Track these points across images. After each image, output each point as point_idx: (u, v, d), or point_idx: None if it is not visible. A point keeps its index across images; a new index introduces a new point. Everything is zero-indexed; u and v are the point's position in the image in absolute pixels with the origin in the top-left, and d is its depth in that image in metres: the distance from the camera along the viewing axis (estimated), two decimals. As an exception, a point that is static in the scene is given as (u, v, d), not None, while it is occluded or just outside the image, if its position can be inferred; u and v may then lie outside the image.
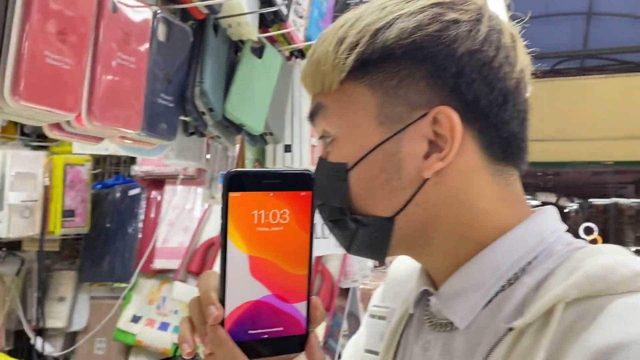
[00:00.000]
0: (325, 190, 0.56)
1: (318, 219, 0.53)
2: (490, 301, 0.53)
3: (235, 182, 0.45)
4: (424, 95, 0.53)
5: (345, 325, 1.94)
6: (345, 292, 1.92)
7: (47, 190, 1.73)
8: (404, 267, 0.77)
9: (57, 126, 0.77)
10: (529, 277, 0.52)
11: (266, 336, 0.47)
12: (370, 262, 2.16)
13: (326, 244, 1.67)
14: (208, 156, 1.29)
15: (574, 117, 6.39)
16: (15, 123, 1.80)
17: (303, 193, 0.47)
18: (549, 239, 0.54)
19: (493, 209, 0.55)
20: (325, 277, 1.75)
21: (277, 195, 0.46)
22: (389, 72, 0.54)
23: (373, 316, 0.76)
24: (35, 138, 1.83)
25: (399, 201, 0.54)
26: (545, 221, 0.56)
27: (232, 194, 0.44)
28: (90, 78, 0.75)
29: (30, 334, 1.88)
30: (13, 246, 1.89)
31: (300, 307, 0.47)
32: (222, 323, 0.45)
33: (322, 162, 0.58)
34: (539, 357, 0.46)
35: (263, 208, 0.45)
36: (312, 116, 0.59)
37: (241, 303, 0.45)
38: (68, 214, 1.80)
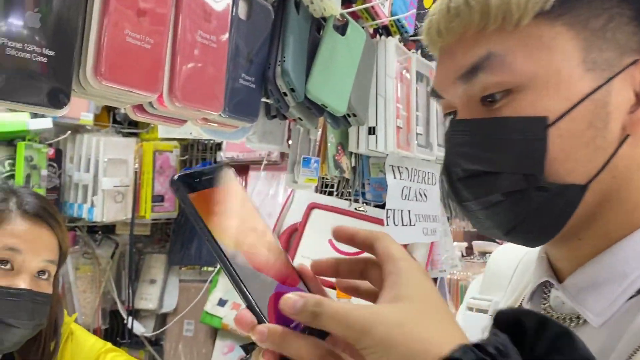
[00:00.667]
0: (503, 155, 0.48)
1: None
2: (634, 296, 0.46)
3: (187, 183, 0.41)
4: (633, 38, 0.47)
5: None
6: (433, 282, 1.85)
7: (137, 176, 1.78)
8: (506, 258, 0.70)
9: (140, 108, 0.76)
10: None
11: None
12: (457, 252, 2.07)
13: (412, 232, 1.60)
14: (290, 142, 1.27)
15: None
16: (108, 111, 1.87)
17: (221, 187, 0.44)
18: None
19: None
20: (410, 265, 1.68)
21: (219, 190, 0.43)
22: (594, 10, 0.46)
23: (471, 309, 0.70)
24: (127, 125, 1.89)
25: (596, 164, 0.46)
26: None
27: (192, 195, 0.41)
28: (171, 58, 0.73)
29: (124, 314, 1.96)
30: (108, 230, 1.98)
31: (302, 287, 0.45)
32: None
33: (498, 121, 0.48)
34: None
35: (238, 201, 0.44)
36: (473, 72, 0.49)
37: (267, 301, 0.41)
38: (158, 199, 1.85)
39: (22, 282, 0.92)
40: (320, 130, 1.22)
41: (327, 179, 1.71)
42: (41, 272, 0.96)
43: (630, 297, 0.46)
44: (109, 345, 1.19)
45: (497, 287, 0.69)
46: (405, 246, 1.65)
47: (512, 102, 0.47)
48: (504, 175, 0.48)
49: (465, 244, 3.20)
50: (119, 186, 1.70)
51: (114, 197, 1.71)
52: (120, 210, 1.74)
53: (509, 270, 0.68)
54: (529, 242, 0.51)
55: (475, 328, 0.67)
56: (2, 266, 0.91)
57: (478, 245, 3.42)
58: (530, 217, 0.48)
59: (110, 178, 1.68)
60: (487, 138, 0.49)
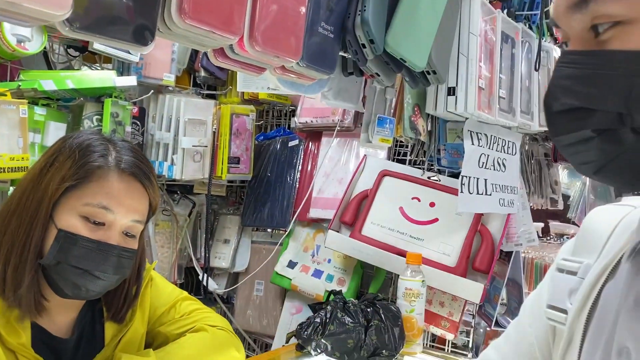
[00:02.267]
0: (600, 91, 0.45)
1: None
2: None
3: None
4: None
5: (504, 293, 1.82)
6: (507, 256, 1.79)
7: (215, 137, 1.83)
8: (603, 219, 0.67)
9: (222, 53, 0.78)
10: None
11: None
12: (534, 227, 1.99)
13: (488, 202, 1.55)
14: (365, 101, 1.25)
15: None
16: (189, 74, 1.92)
17: None
18: None
19: None
20: (484, 237, 1.63)
21: None
22: None
23: (561, 270, 0.67)
24: (206, 88, 1.94)
25: None
26: None
27: None
28: (252, 2, 0.74)
29: (199, 271, 2.04)
30: (186, 190, 2.06)
31: None
32: None
33: (603, 53, 0.46)
34: None
35: None
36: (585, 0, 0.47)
37: None
38: (234, 160, 1.90)
39: (112, 238, 0.95)
40: (397, 89, 1.19)
41: (402, 143, 1.68)
42: (130, 229, 0.99)
43: None
44: (185, 293, 1.24)
45: (590, 249, 0.65)
46: (480, 215, 1.60)
47: (621, 34, 0.45)
48: (598, 113, 0.45)
49: (541, 224, 3.08)
50: (197, 146, 1.76)
51: (192, 157, 1.77)
52: (198, 170, 1.80)
53: (605, 232, 0.64)
54: (621, 185, 0.49)
55: (563, 290, 0.64)
56: (94, 221, 0.95)
57: (554, 226, 3.28)
58: (622, 157, 0.45)
59: (189, 138, 1.74)
60: (589, 71, 0.46)
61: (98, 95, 1.53)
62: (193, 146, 1.75)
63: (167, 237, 1.95)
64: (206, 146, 1.80)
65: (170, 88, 1.77)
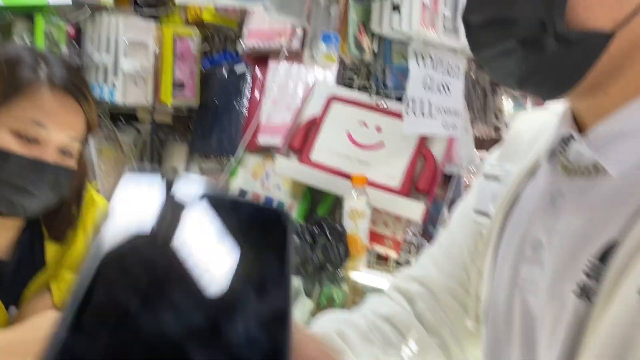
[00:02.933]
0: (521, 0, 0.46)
1: None
2: None
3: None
4: None
5: (445, 213, 1.89)
6: (449, 179, 1.85)
7: (157, 60, 1.77)
8: (527, 124, 0.69)
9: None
10: None
11: None
12: (476, 152, 2.05)
13: (432, 124, 1.59)
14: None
15: None
16: (129, -6, 1.83)
17: (271, 236, 0.30)
18: None
19: None
20: (428, 160, 1.68)
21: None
22: None
23: (487, 177, 0.70)
24: (147, 8, 1.86)
25: (626, 10, 0.44)
26: None
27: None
28: None
29: (147, 199, 2.02)
30: (130, 118, 2.01)
31: None
32: None
33: None
34: None
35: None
36: None
37: None
38: (178, 85, 1.85)
39: (47, 155, 0.93)
40: (341, 5, 1.17)
41: (350, 67, 1.67)
42: (66, 146, 0.96)
43: None
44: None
45: (514, 155, 0.68)
46: (424, 138, 1.63)
47: None
48: (520, 22, 0.46)
49: (485, 153, 3.18)
50: (139, 69, 1.70)
51: (134, 80, 1.71)
52: (141, 95, 1.75)
53: (528, 137, 0.67)
54: (544, 94, 0.50)
55: (487, 195, 0.67)
56: (27, 137, 0.92)
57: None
58: (545, 66, 0.46)
59: (130, 60, 1.68)
60: None
61: (28, 13, 1.45)
62: (135, 69, 1.69)
63: (112, 165, 1.91)
64: (148, 70, 1.75)
65: (108, 8, 1.69)
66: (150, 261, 0.25)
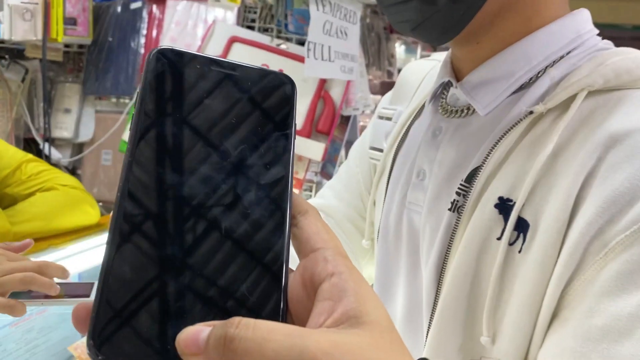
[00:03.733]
0: None
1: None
2: (515, 92, 0.55)
3: (168, 62, 0.30)
4: None
5: (342, 152, 2.01)
6: (346, 120, 1.96)
7: (46, -7, 1.67)
8: (414, 71, 0.78)
9: None
10: (556, 70, 0.53)
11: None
12: (370, 95, 2.18)
13: (331, 68, 1.67)
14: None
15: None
16: None
17: (277, 100, 0.32)
18: (584, 36, 0.55)
19: None
20: (327, 102, 1.77)
21: (234, 95, 0.31)
22: None
23: (381, 117, 0.78)
24: None
25: None
26: (582, 20, 0.56)
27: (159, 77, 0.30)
28: None
29: (40, 141, 1.94)
30: (17, 55, 1.88)
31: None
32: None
33: None
34: (552, 140, 0.48)
35: (204, 112, 0.31)
36: None
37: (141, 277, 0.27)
38: (70, 21, 1.76)
39: None
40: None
41: (251, 8, 1.69)
42: None
43: (513, 92, 0.55)
44: (30, 155, 1.21)
45: (404, 97, 0.77)
46: (324, 81, 1.72)
47: None
48: None
49: (379, 96, 3.34)
50: (26, 2, 1.60)
51: (22, 15, 1.61)
52: (30, 30, 1.65)
53: (416, 82, 0.77)
54: (432, 39, 0.58)
55: (381, 133, 0.77)
56: None
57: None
58: (434, 16, 0.54)
59: (16, -8, 1.57)
60: None
61: None
62: (22, 2, 1.59)
63: (-1, 105, 1.80)
64: (37, 4, 1.65)
65: None
66: (178, 134, 0.28)
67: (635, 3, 6.03)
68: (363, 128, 2.38)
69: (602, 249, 0.42)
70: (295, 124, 0.31)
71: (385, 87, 2.95)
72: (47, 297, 0.88)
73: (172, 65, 0.29)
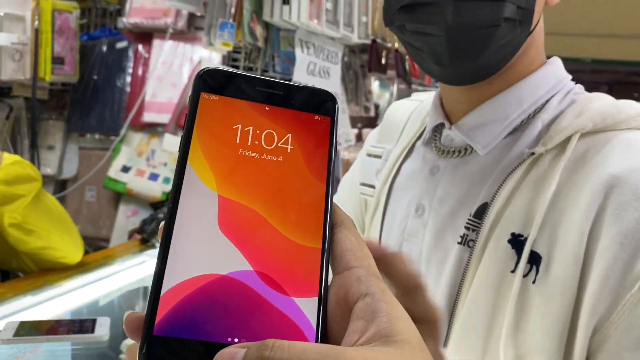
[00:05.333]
0: None
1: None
2: (510, 133, 0.61)
3: (213, 81, 0.31)
4: None
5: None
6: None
7: (36, 35, 1.71)
8: (398, 112, 0.83)
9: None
10: (545, 114, 0.60)
11: (232, 341, 0.27)
12: (351, 130, 2.25)
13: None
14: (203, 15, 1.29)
15: (556, 10, 6.24)
16: (-2, -39, 1.73)
17: (319, 117, 0.32)
18: (563, 81, 0.62)
19: (539, 42, 0.62)
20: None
21: (278, 112, 0.32)
22: None
23: (370, 155, 0.82)
24: (21, -21, 1.77)
25: (537, 15, 0.57)
26: (559, 67, 0.63)
27: (205, 96, 0.31)
28: None
29: (23, 178, 1.94)
30: (1, 93, 1.90)
31: (305, 305, 0.28)
32: (152, 308, 0.26)
33: None
34: (555, 177, 0.54)
35: (252, 124, 0.31)
36: None
37: (194, 275, 0.27)
38: (58, 61, 1.80)
39: None
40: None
41: (237, 49, 1.76)
42: None
43: (509, 134, 0.61)
44: (17, 157, 1.23)
45: (391, 136, 0.82)
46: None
47: None
48: (504, 4, 0.55)
49: (356, 130, 3.42)
50: (16, 43, 1.63)
51: (11, 55, 1.64)
52: (18, 70, 1.68)
53: (401, 122, 0.81)
54: (464, 79, 0.60)
55: (371, 170, 0.82)
56: None
57: (366, 132, 3.67)
58: (483, 55, 0.57)
59: (6, 34, 1.60)
60: None
61: None
62: (12, 43, 1.62)
63: (-17, 142, 1.81)
64: (26, 44, 1.68)
65: (-23, -24, 1.59)
66: None
67: (593, 38, 6.34)
68: (346, 161, 2.45)
69: (635, 282, 0.49)
70: (336, 140, 0.32)
71: (362, 121, 3.04)
72: (50, 334, 0.90)
73: (217, 85, 0.31)
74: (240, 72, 0.33)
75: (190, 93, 0.31)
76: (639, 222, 0.49)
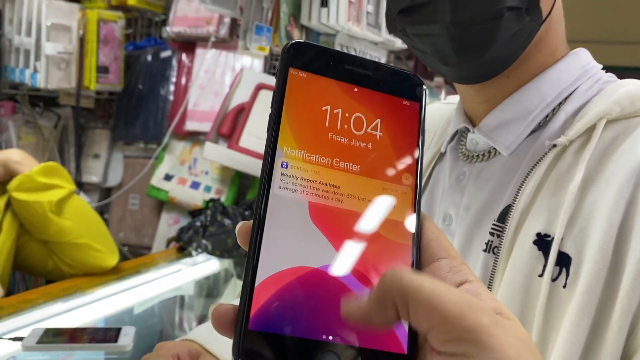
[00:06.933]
0: None
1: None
2: (534, 131, 0.55)
3: (302, 57, 0.29)
4: None
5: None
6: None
7: (82, 44, 1.74)
8: (433, 116, 0.78)
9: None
10: (569, 105, 0.54)
11: (327, 338, 0.25)
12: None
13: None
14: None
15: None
16: (48, -26, 1.77)
17: (407, 102, 0.30)
18: (590, 71, 0.56)
19: (560, 30, 0.56)
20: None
21: (367, 94, 0.29)
22: None
23: None
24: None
25: (550, 2, 0.53)
26: (585, 56, 0.57)
27: (294, 72, 0.28)
28: None
29: (69, 186, 1.98)
30: (50, 102, 1.95)
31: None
32: (247, 299, 0.25)
33: None
34: (580, 169, 0.48)
35: (341, 106, 0.29)
36: None
37: (287, 267, 0.26)
38: (102, 70, 1.83)
39: None
40: (273, -2, 1.23)
41: (277, 55, 1.73)
42: None
43: (532, 131, 0.55)
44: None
45: (426, 143, 0.77)
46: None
47: None
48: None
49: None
50: (62, 53, 1.66)
51: (57, 64, 1.68)
52: (64, 79, 1.71)
53: (434, 126, 0.77)
54: (477, 75, 0.56)
55: None
56: None
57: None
58: (492, 49, 0.52)
59: (53, 44, 1.64)
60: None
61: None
62: (58, 53, 1.65)
63: (32, 150, 1.85)
64: (72, 53, 1.71)
65: (27, -12, 1.63)
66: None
67: (603, 45, 5.86)
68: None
69: None
70: (423, 127, 0.30)
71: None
72: (73, 342, 0.87)
73: (306, 61, 0.29)
74: (329, 47, 0.30)
75: (277, 68, 0.29)
76: None
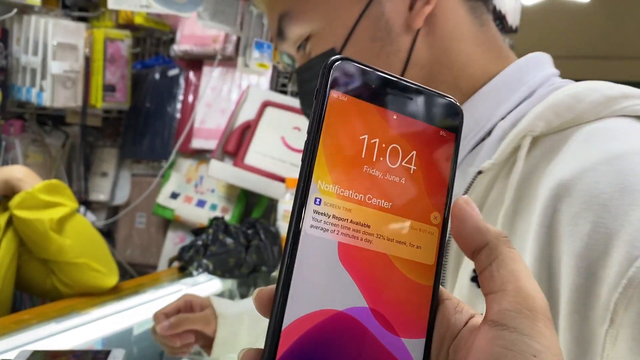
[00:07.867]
0: None
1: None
2: (471, 151, 0.52)
3: (344, 77, 0.26)
4: None
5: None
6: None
7: (88, 63, 1.75)
8: None
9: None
10: (506, 121, 0.49)
11: None
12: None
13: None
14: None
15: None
16: (57, -6, 1.79)
17: (444, 133, 0.28)
18: (533, 85, 0.51)
19: (474, 52, 0.53)
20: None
21: (405, 122, 0.27)
22: None
23: None
24: (77, 10, 1.83)
25: (397, 66, 0.52)
26: (528, 67, 0.52)
27: (334, 94, 0.26)
28: None
29: (76, 204, 1.98)
30: (58, 121, 1.95)
31: (413, 347, 0.27)
32: (272, 342, 0.25)
33: (308, 65, 0.56)
34: (508, 197, 0.44)
35: (378, 136, 0.27)
36: (281, 32, 0.57)
37: (314, 310, 0.25)
38: (109, 88, 1.83)
39: None
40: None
41: (284, 74, 1.72)
42: None
43: (468, 152, 0.52)
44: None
45: None
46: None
47: (313, 44, 0.55)
48: None
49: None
50: (69, 71, 1.67)
51: (63, 83, 1.68)
52: (70, 97, 1.72)
53: None
54: None
55: None
56: None
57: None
58: None
59: (59, 63, 1.64)
60: (307, 80, 0.57)
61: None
62: (64, 72, 1.66)
63: (39, 168, 1.85)
64: (78, 72, 1.72)
65: (35, 8, 1.65)
66: None
67: (586, 60, 5.62)
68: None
69: (605, 315, 0.36)
70: (456, 161, 0.29)
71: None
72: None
73: (348, 82, 0.26)
74: (371, 67, 0.27)
75: (317, 87, 0.26)
76: (591, 236, 0.38)
